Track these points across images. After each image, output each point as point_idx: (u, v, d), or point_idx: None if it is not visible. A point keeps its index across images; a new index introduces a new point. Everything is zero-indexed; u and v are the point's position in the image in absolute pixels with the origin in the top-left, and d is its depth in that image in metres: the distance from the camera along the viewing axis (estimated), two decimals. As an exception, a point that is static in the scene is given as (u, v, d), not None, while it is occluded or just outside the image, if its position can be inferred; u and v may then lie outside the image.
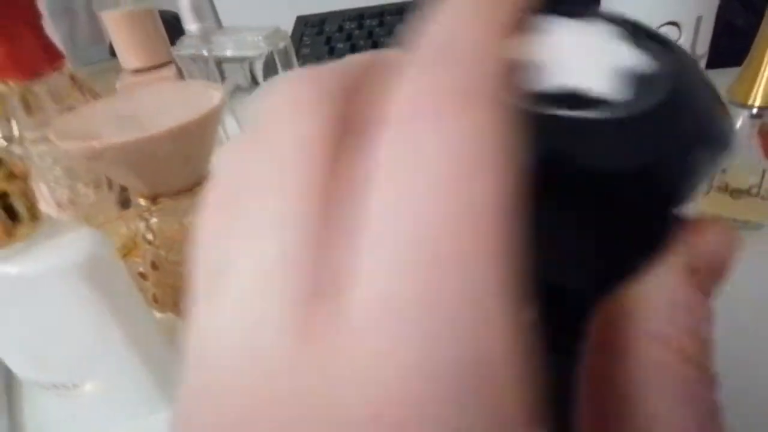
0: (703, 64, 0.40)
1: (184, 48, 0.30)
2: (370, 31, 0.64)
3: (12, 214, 0.19)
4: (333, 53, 0.61)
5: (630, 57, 0.11)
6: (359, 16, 0.67)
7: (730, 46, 0.39)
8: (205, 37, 0.30)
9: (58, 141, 0.23)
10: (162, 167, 0.24)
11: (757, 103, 0.27)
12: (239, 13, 0.71)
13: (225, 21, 0.73)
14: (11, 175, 0.19)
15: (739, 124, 0.28)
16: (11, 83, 0.26)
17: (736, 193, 0.28)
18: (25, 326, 0.22)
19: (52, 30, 0.96)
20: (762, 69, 0.26)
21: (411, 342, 0.07)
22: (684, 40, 0.38)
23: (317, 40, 0.64)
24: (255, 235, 0.08)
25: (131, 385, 0.24)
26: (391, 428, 0.07)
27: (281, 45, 0.30)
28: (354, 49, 0.61)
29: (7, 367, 0.28)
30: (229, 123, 0.34)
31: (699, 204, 0.31)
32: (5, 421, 0.27)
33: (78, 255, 0.19)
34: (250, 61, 0.30)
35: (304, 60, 0.61)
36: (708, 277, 0.10)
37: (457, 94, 0.08)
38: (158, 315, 0.29)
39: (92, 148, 0.22)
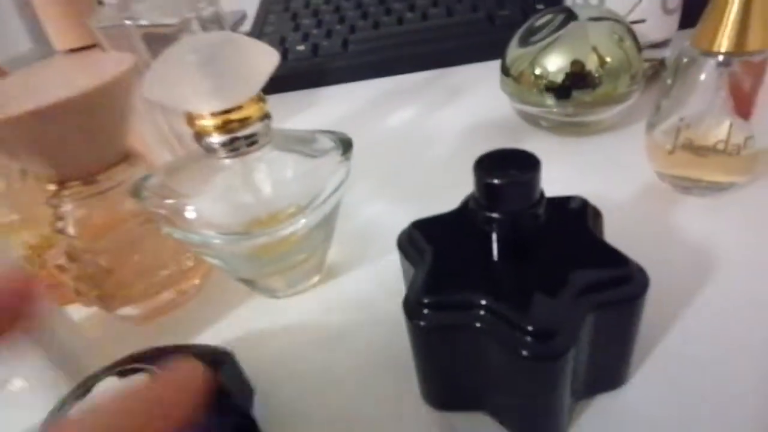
0: (674, 19, 0.37)
1: (104, 20, 0.28)
2: (338, 6, 0.61)
3: None
4: (298, 29, 0.58)
5: None
6: (326, -10, 0.65)
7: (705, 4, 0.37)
8: (123, 7, 0.27)
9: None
10: (64, 145, 0.22)
11: (723, 49, 0.24)
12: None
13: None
14: None
15: (703, 75, 0.25)
16: None
17: (702, 150, 0.26)
18: None
19: (17, 21, 0.93)
20: (727, 9, 0.23)
21: None
22: (655, -7, 0.36)
23: (283, 17, 0.62)
24: None
25: (45, 386, 0.22)
26: None
27: (207, 10, 0.27)
28: (320, 24, 0.58)
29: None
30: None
31: (664, 164, 0.29)
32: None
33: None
34: (177, 31, 0.28)
35: (268, 37, 0.58)
36: None
37: None
38: (85, 311, 0.28)
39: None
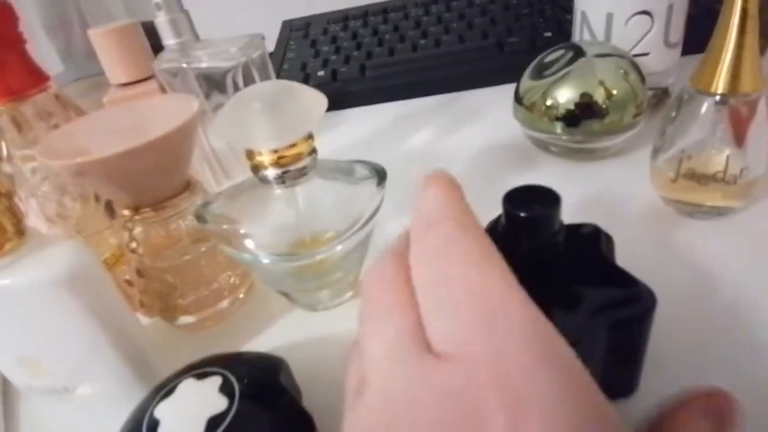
0: (676, 52, 0.41)
1: (164, 62, 0.31)
2: (355, 33, 0.65)
3: (-2, 231, 0.20)
4: (318, 56, 0.62)
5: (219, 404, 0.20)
6: (344, 18, 0.68)
7: (707, 31, 0.40)
8: (183, 50, 0.31)
9: (43, 159, 0.24)
10: (143, 179, 0.25)
11: (720, 91, 0.27)
12: (225, 21, 0.72)
13: (211, 28, 0.74)
14: (-5, 194, 0.20)
15: (703, 110, 0.29)
16: (0, 106, 0.28)
17: (703, 179, 0.29)
18: (14, 336, 0.23)
19: (47, 44, 0.97)
20: (722, 57, 0.27)
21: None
22: (656, 29, 0.39)
23: (303, 43, 0.65)
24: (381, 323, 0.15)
25: (120, 387, 0.25)
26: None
27: (256, 54, 0.31)
28: (339, 51, 0.62)
29: (2, 374, 0.29)
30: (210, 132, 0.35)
31: (667, 190, 0.32)
32: (1, 426, 0.28)
33: (60, 268, 0.21)
34: (227, 72, 0.31)
35: (290, 63, 0.62)
36: None
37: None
38: (145, 320, 0.31)
39: (75, 165, 0.23)
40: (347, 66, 0.59)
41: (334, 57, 0.61)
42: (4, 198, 0.20)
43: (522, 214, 0.20)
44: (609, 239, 0.23)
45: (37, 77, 0.28)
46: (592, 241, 0.23)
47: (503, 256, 0.20)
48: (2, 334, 0.22)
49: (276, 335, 0.30)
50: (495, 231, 0.23)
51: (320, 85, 0.56)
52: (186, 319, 0.30)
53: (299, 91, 0.24)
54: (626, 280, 0.21)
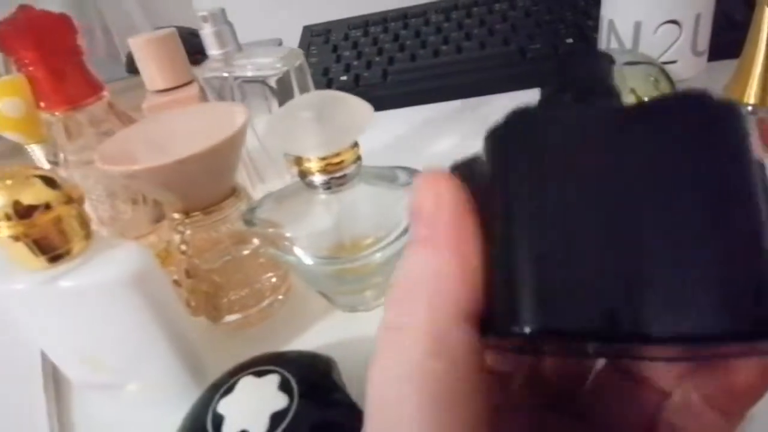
0: (703, 59, 0.41)
1: (208, 71, 0.32)
2: (375, 38, 0.66)
3: (69, 233, 0.22)
4: (339, 61, 0.63)
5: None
6: (364, 23, 0.69)
7: (731, 38, 0.41)
8: (227, 60, 0.32)
9: (101, 165, 0.25)
10: (193, 185, 0.26)
11: (751, 101, 0.28)
12: (248, 26, 0.73)
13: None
14: (70, 199, 0.21)
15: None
16: (57, 113, 0.29)
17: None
18: (80, 334, 0.24)
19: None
20: (752, 70, 0.27)
21: None
22: (684, 38, 0.40)
23: (324, 48, 0.66)
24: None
25: (171, 382, 0.26)
26: None
27: (297, 63, 0.32)
28: (360, 56, 0.63)
29: (56, 370, 0.30)
30: (251, 138, 0.36)
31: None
32: (55, 421, 0.30)
33: (128, 268, 0.22)
34: (268, 79, 0.32)
35: (313, 68, 0.63)
36: None
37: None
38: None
39: (133, 171, 0.24)
40: (369, 71, 0.60)
41: (356, 62, 0.62)
42: (76, 203, 0.21)
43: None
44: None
45: (94, 87, 0.29)
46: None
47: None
48: (67, 333, 0.24)
49: (316, 335, 0.31)
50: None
51: (343, 90, 0.57)
52: (230, 318, 0.31)
53: (346, 101, 0.25)
54: None
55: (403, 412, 0.11)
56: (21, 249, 0.22)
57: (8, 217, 0.21)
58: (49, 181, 0.21)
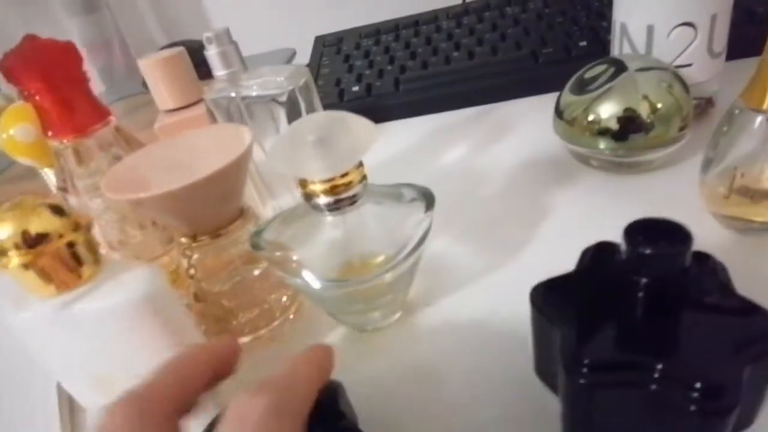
0: (720, 61, 0.40)
1: (214, 92, 0.32)
2: (387, 47, 0.65)
3: (78, 260, 0.22)
4: (352, 71, 0.63)
5: None
6: (376, 32, 0.69)
7: (752, 34, 0.39)
8: (232, 80, 0.32)
9: (108, 192, 0.25)
10: (201, 210, 0.26)
11: (771, 107, 0.27)
12: (262, 37, 0.74)
13: (246, 44, 0.76)
14: (77, 226, 0.21)
15: (755, 126, 0.28)
16: (65, 141, 0.29)
17: (756, 195, 0.29)
18: (92, 356, 0.24)
19: (89, 64, 1.01)
20: (772, 74, 0.26)
21: None
22: (700, 40, 0.38)
23: (336, 58, 0.66)
24: None
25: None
26: None
27: (302, 81, 0.32)
28: (372, 65, 0.62)
29: (72, 399, 0.31)
30: (259, 155, 0.36)
31: (720, 208, 0.31)
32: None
33: (139, 290, 0.22)
34: (274, 99, 0.32)
35: (324, 79, 0.63)
36: None
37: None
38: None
39: (137, 199, 0.25)
40: (381, 80, 0.59)
41: (367, 72, 0.62)
42: (84, 230, 0.21)
43: (648, 251, 0.19)
44: (723, 268, 0.22)
45: (100, 113, 0.30)
46: (709, 271, 0.21)
47: (614, 293, 0.19)
48: (79, 356, 0.24)
49: (325, 355, 0.31)
50: (595, 266, 0.22)
51: (355, 100, 0.57)
52: (241, 340, 0.31)
53: (350, 122, 0.25)
54: (755, 311, 0.19)
55: None
56: (31, 277, 0.22)
57: (17, 247, 0.21)
58: (57, 209, 0.22)
